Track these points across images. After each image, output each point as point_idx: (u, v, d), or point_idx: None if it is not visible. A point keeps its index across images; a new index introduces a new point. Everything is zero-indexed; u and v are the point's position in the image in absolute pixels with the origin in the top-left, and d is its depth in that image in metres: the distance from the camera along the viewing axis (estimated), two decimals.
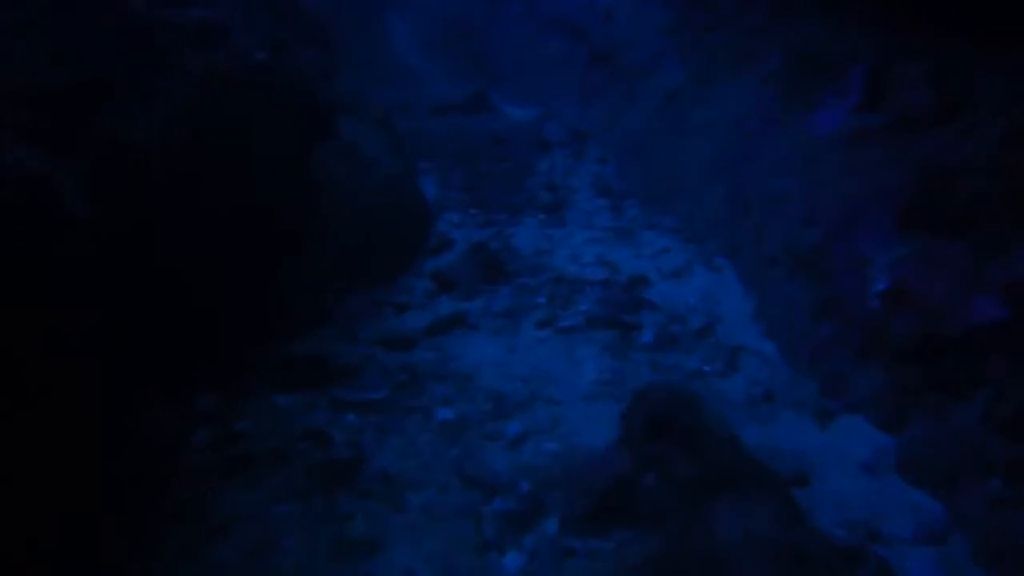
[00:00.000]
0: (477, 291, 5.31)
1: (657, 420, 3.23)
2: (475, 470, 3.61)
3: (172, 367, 3.99)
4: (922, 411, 3.61)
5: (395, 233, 5.88)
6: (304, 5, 7.53)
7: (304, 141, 5.10)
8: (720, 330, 4.80)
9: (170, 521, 3.27)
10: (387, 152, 6.47)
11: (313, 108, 5.13)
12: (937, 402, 3.54)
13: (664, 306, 5.07)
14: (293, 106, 4.84)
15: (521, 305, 5.09)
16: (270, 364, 4.31)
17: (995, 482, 3.22)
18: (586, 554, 3.13)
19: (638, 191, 7.08)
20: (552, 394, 4.20)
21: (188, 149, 4.02)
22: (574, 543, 3.18)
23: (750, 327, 4.83)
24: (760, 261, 5.07)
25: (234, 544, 3.17)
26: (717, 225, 5.97)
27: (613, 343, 4.67)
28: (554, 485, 3.50)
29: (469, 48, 10.10)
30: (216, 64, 4.25)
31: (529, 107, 9.06)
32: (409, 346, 4.61)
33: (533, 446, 3.79)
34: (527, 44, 9.61)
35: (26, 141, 3.44)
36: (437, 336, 4.76)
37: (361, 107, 6.72)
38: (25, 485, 2.87)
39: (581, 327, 4.83)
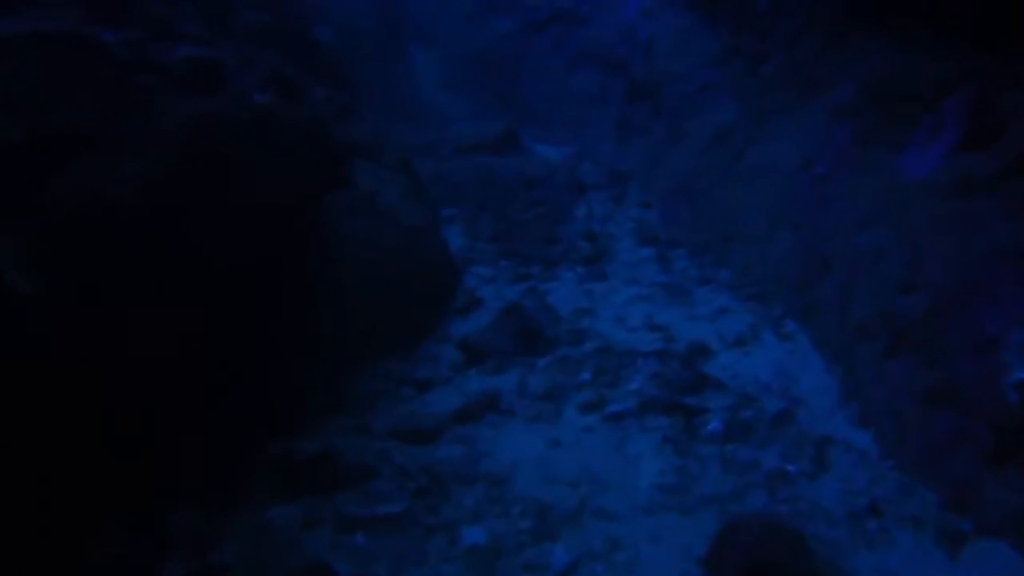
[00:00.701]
0: (510, 363, 4.59)
1: (756, 569, 2.46)
2: None
3: (145, 474, 3.31)
4: None
5: (417, 293, 5.19)
6: (318, 39, 6.94)
7: (310, 193, 4.44)
8: (802, 416, 4.02)
9: None
10: (408, 200, 5.79)
11: (322, 155, 4.48)
12: None
13: (731, 384, 4.30)
14: (297, 154, 4.19)
15: (562, 383, 4.35)
16: (267, 465, 3.60)
17: None
18: None
19: (686, 239, 6.34)
20: (605, 505, 3.43)
21: (168, 210, 3.38)
22: None
23: (837, 412, 4.05)
24: (845, 330, 4.29)
25: None
26: (783, 282, 5.21)
27: (674, 433, 3.90)
28: None
29: (497, 83, 9.44)
30: (204, 111, 3.61)
31: (562, 146, 8.37)
32: (432, 439, 3.87)
33: None
34: (559, 78, 8.95)
35: None
36: (465, 424, 4.02)
37: (380, 150, 6.07)
38: None
39: (634, 412, 4.08)
